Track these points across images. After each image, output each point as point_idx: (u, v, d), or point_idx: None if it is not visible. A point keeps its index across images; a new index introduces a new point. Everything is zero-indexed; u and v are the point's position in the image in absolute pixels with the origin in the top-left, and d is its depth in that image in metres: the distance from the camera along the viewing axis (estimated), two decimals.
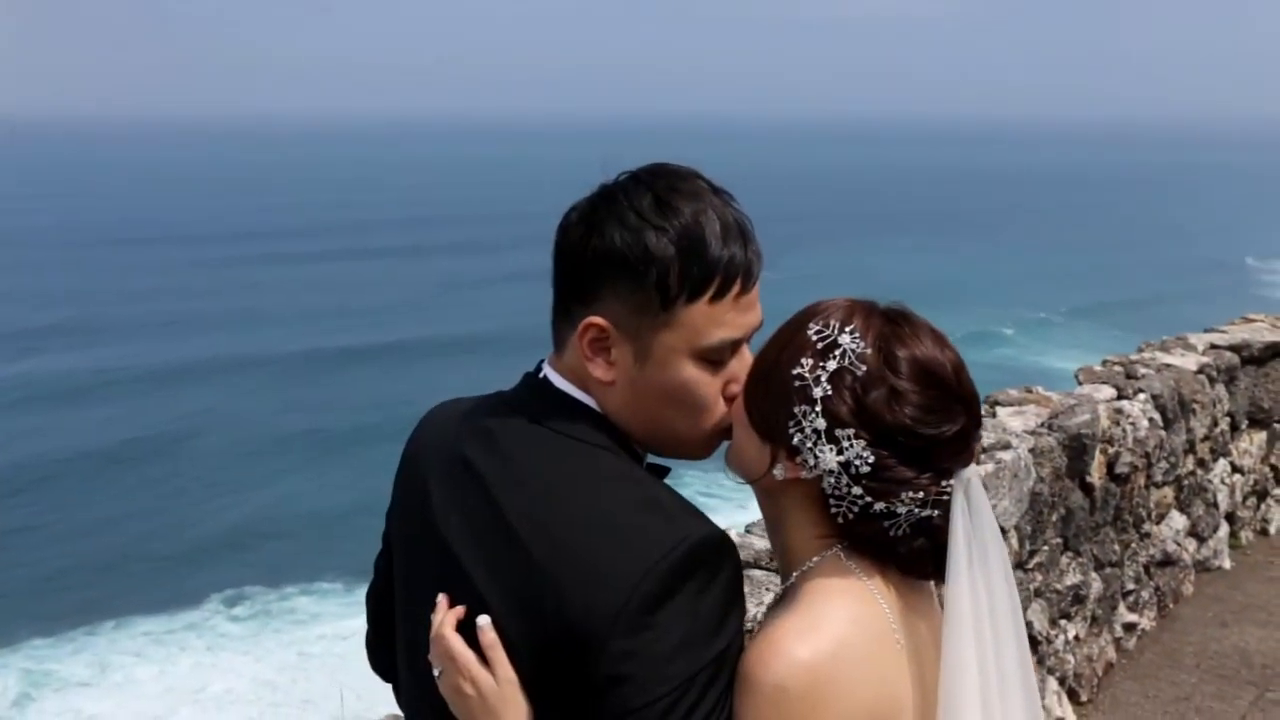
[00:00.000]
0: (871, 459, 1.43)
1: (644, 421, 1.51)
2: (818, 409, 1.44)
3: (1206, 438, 6.17)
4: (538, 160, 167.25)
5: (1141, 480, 5.40)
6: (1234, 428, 6.56)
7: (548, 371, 1.54)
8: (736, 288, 1.46)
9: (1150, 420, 5.36)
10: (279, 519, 26.61)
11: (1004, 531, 4.39)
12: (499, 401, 1.58)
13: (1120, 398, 5.33)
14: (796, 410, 1.46)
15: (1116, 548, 5.31)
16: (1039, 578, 4.66)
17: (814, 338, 1.48)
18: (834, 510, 1.47)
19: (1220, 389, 6.28)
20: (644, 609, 1.33)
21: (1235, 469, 6.57)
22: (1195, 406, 5.97)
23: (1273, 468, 6.96)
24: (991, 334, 45.95)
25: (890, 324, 1.49)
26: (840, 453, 1.44)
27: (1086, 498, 4.97)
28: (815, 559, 1.50)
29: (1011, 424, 4.60)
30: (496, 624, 1.41)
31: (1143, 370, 5.70)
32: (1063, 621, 4.85)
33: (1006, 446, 4.35)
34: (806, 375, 1.46)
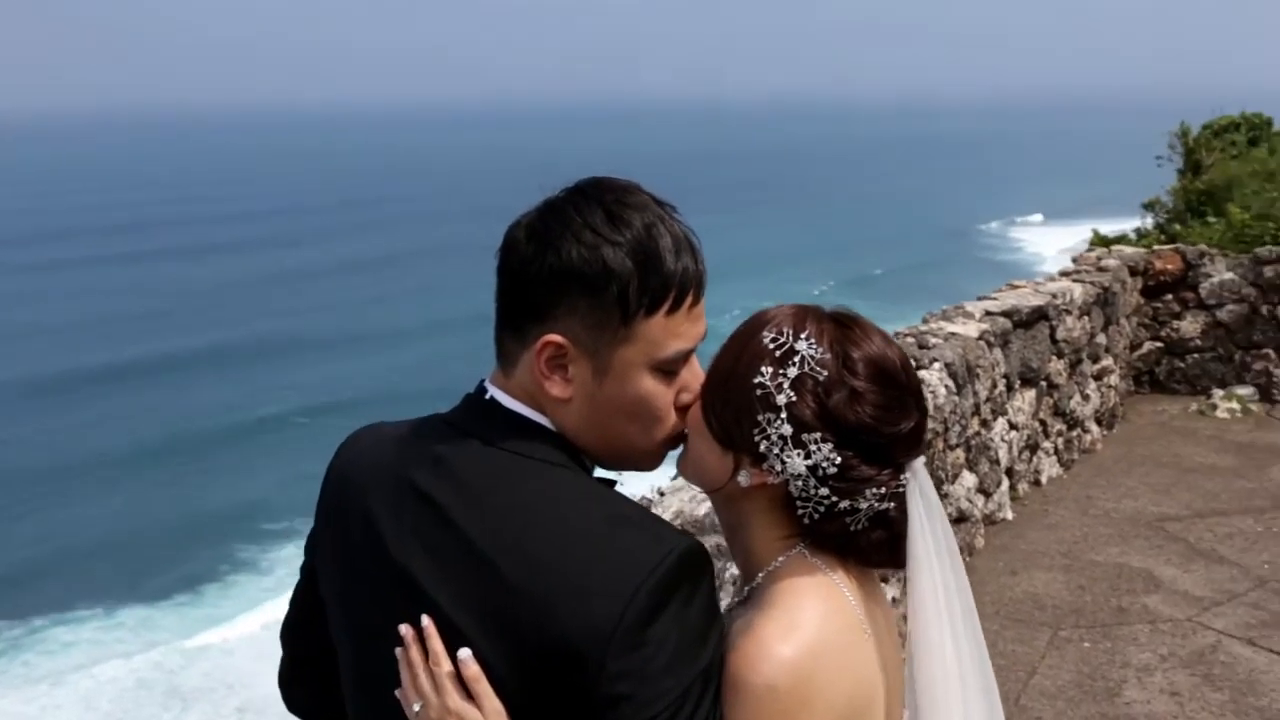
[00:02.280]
0: (839, 460, 1.48)
1: (600, 436, 1.50)
2: (783, 415, 1.48)
3: (988, 399, 6.58)
4: (311, 152, 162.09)
5: (940, 445, 5.72)
6: (1009, 387, 7.01)
7: (494, 392, 1.52)
8: (689, 299, 1.48)
9: (946, 387, 5.69)
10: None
11: None
12: (441, 424, 1.54)
13: (918, 368, 5.63)
14: (761, 418, 1.49)
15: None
16: None
17: (770, 345, 1.51)
18: (800, 512, 1.52)
19: (998, 353, 6.70)
20: (638, 626, 1.32)
21: (1012, 426, 7.03)
22: (979, 371, 6.36)
23: (1042, 422, 7.49)
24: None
25: (841, 327, 1.55)
26: (808, 456, 1.48)
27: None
28: (780, 559, 1.54)
29: None
30: (474, 654, 1.38)
31: (933, 340, 6.03)
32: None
33: None
34: (768, 383, 1.49)
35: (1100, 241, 16.73)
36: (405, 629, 1.43)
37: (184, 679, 20.45)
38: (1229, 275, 9.08)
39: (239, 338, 44.07)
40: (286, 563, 24.95)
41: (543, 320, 1.45)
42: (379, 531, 1.50)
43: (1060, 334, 7.46)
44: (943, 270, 51.59)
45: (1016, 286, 7.57)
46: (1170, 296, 9.18)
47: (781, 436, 1.48)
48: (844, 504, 1.50)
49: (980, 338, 6.45)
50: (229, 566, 24.91)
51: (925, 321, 6.63)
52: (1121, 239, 16.75)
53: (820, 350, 1.50)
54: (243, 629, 22.00)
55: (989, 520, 6.67)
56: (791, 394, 1.48)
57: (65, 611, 22.94)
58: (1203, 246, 9.30)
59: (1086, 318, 7.84)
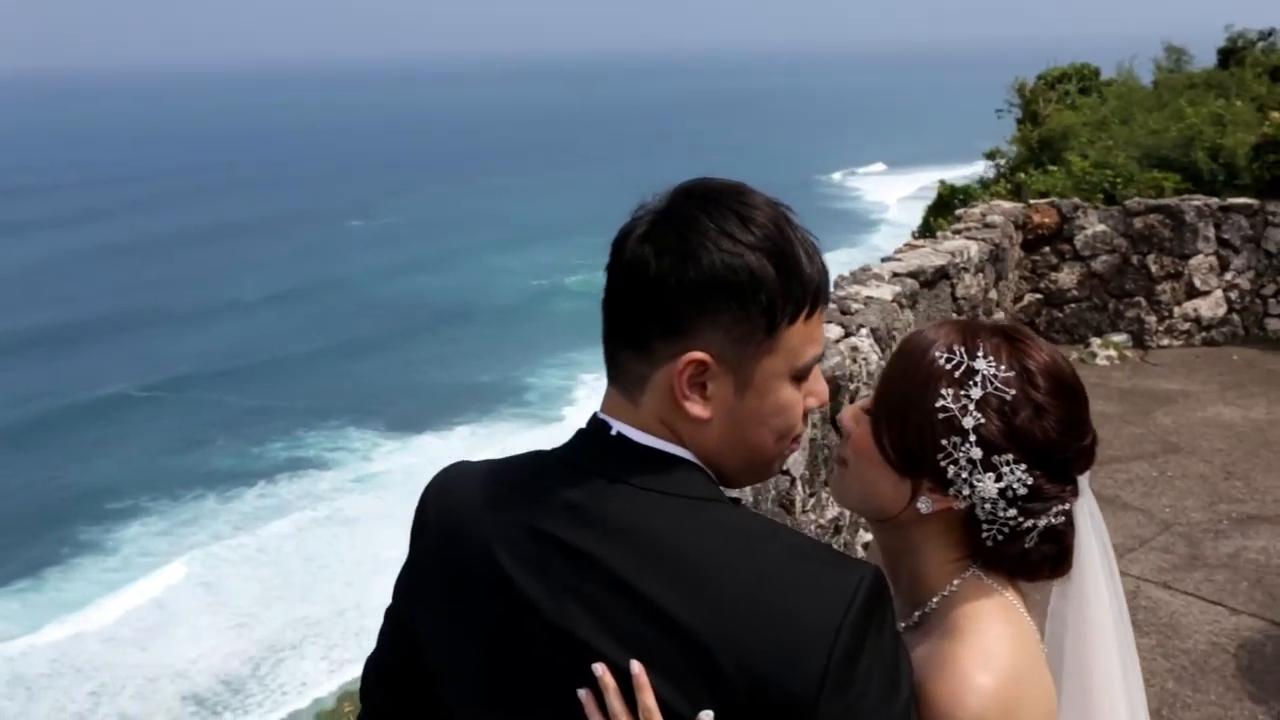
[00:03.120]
0: (1029, 481, 1.46)
1: (737, 452, 1.42)
2: (971, 439, 1.45)
3: None
4: (112, 112, 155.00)
5: None
6: None
7: (620, 426, 1.41)
8: (822, 303, 1.42)
9: (874, 353, 5.77)
10: None
11: (792, 482, 4.62)
12: (561, 465, 1.43)
13: (847, 334, 5.68)
14: (945, 442, 1.46)
15: None
16: (812, 516, 4.94)
17: (947, 366, 1.48)
18: (985, 534, 1.49)
19: (908, 313, 6.82)
20: (847, 664, 1.27)
21: None
22: (895, 333, 6.46)
23: None
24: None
25: (1011, 341, 1.51)
26: (999, 479, 1.46)
27: (839, 434, 5.30)
28: (955, 582, 1.52)
29: None
30: (668, 711, 1.29)
31: (854, 305, 6.09)
32: None
33: None
34: (951, 405, 1.46)
35: (947, 191, 17.24)
36: (602, 670, 1.31)
37: (28, 667, 19.74)
38: (1101, 227, 9.44)
39: (67, 316, 42.18)
40: (132, 541, 24.25)
41: (680, 338, 1.35)
42: (522, 592, 1.38)
43: (960, 292, 7.65)
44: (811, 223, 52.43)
45: (916, 246, 7.72)
46: (1048, 249, 9.50)
47: (970, 460, 1.45)
48: (1028, 523, 1.48)
49: (894, 300, 6.55)
50: (71, 549, 24.06)
51: (839, 286, 6.69)
52: (967, 189, 17.30)
53: (1001, 368, 1.47)
54: (91, 613, 21.33)
55: None
56: (979, 416, 1.45)
57: None
58: (1077, 200, 9.63)
59: (981, 275, 8.05)
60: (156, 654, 19.71)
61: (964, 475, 1.46)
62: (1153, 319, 9.51)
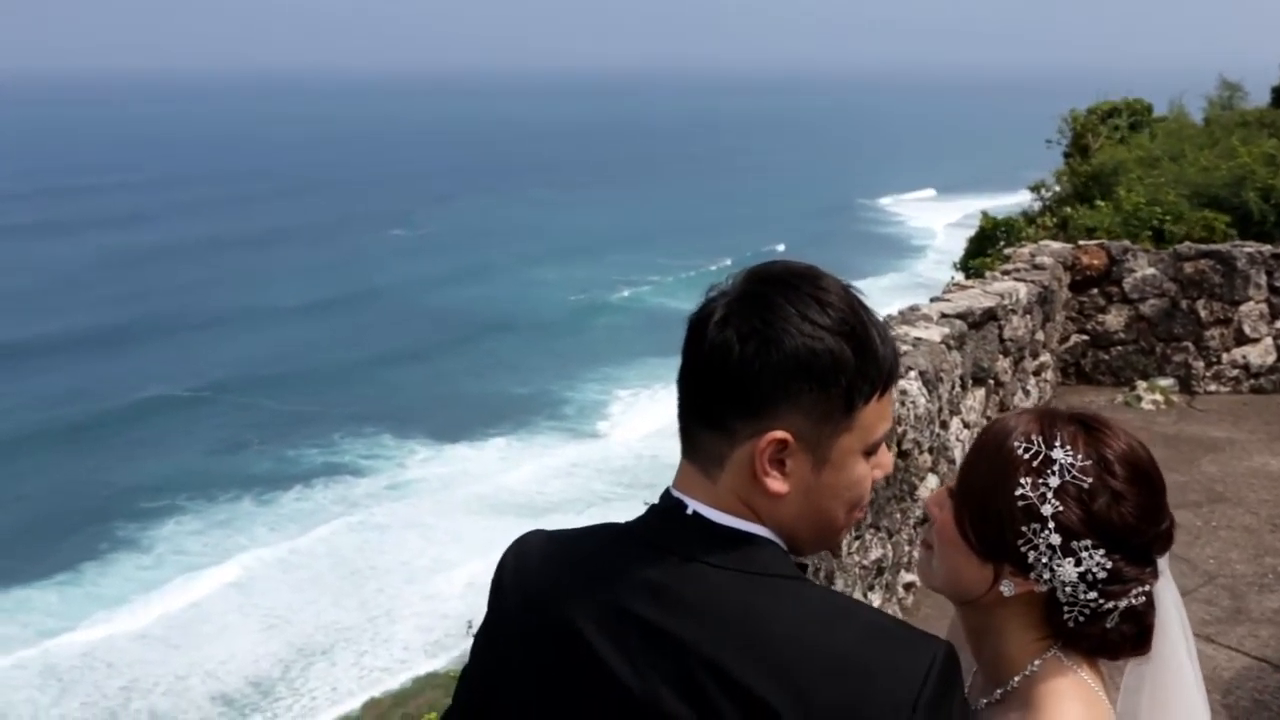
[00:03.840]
0: (1109, 565, 1.51)
1: (810, 525, 1.47)
2: (1050, 525, 1.51)
3: (947, 400, 6.72)
4: (154, 117, 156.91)
5: (917, 451, 5.83)
6: (963, 387, 7.17)
7: (696, 506, 1.46)
8: (893, 382, 1.47)
9: (923, 395, 5.79)
10: None
11: None
12: (639, 544, 1.49)
13: None
14: (1025, 529, 1.52)
15: (899, 516, 5.72)
16: (856, 558, 4.96)
17: (1025, 455, 1.54)
18: (1066, 616, 1.55)
19: (956, 354, 6.84)
20: None
21: (965, 425, 7.19)
22: (942, 374, 6.48)
23: (988, 419, 7.67)
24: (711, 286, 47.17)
25: (1088, 430, 1.57)
26: (1079, 564, 1.51)
27: (884, 476, 5.33)
28: (1036, 662, 1.57)
29: None
30: None
31: (903, 347, 6.12)
32: (869, 594, 5.19)
33: None
34: (1030, 494, 1.52)
35: (989, 224, 17.19)
36: None
37: (62, 659, 19.96)
38: (1151, 271, 9.41)
39: (113, 317, 42.68)
40: (167, 540, 24.50)
41: (762, 417, 1.40)
42: (609, 667, 1.43)
43: (1007, 333, 7.66)
44: (838, 247, 52.44)
45: (964, 287, 7.74)
46: (1095, 290, 9.48)
47: (1050, 546, 1.51)
48: (1108, 605, 1.53)
49: (942, 341, 6.57)
50: (108, 545, 24.34)
51: (888, 325, 6.74)
52: (1011, 221, 17.24)
53: (1078, 457, 1.53)
54: (124, 610, 21.56)
55: None
56: (1057, 504, 1.51)
57: None
58: (1126, 242, 9.61)
59: (1029, 316, 8.05)
60: (187, 652, 19.86)
61: (1044, 560, 1.52)
62: (1200, 365, 9.47)
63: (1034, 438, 1.54)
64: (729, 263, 50.97)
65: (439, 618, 19.50)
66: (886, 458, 1.50)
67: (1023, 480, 1.52)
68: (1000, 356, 7.64)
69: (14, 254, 54.97)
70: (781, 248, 55.10)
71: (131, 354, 38.46)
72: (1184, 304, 9.40)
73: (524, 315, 43.55)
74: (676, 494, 1.48)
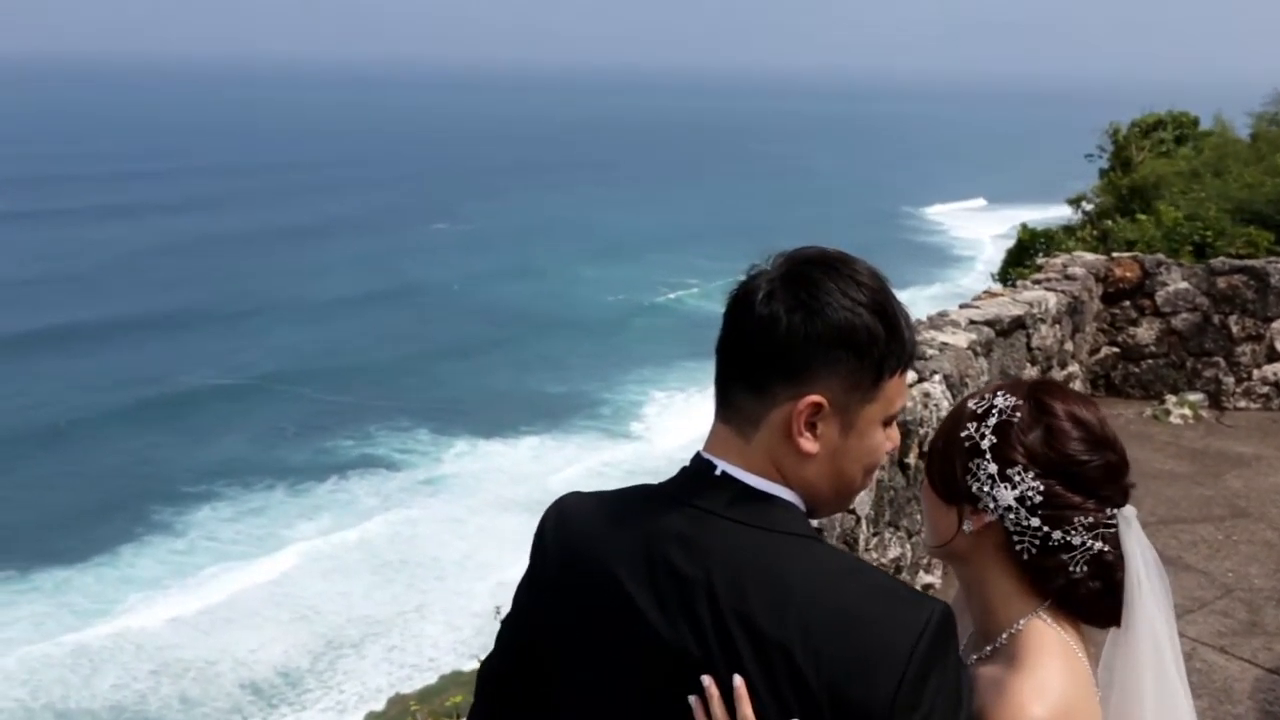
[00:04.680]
0: (1041, 488, 1.67)
1: (832, 485, 1.61)
2: (988, 456, 1.69)
3: None
4: (200, 104, 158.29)
5: None
6: None
7: (725, 466, 1.60)
8: (912, 362, 1.64)
9: (946, 399, 5.85)
10: None
11: (857, 520, 4.72)
12: (672, 500, 1.62)
13: (920, 380, 5.77)
14: (970, 464, 1.71)
15: (918, 516, 5.78)
16: (874, 555, 5.03)
17: (973, 407, 1.75)
18: (1018, 547, 1.69)
19: (982, 361, 6.89)
20: (916, 685, 1.45)
21: None
22: (967, 380, 6.53)
23: None
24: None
25: (1036, 385, 1.77)
26: (1014, 487, 1.68)
27: (904, 477, 5.39)
28: (1021, 621, 1.71)
29: None
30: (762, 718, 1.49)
31: (929, 351, 6.18)
32: None
33: None
34: (974, 434, 1.71)
35: (1028, 235, 17.12)
36: (709, 681, 1.51)
37: (94, 640, 20.26)
38: (1184, 285, 9.40)
39: (163, 305, 43.22)
40: (200, 525, 24.81)
41: (802, 382, 1.55)
42: (642, 612, 1.58)
43: (1035, 342, 7.69)
44: (884, 255, 52.11)
45: (994, 295, 7.77)
46: (1128, 303, 9.47)
47: (989, 475, 1.69)
48: (1056, 535, 1.68)
49: (969, 347, 6.63)
50: (144, 528, 24.68)
51: (915, 331, 6.79)
52: (1050, 233, 17.16)
53: (1015, 400, 1.72)
54: (158, 594, 21.87)
55: None
56: (993, 437, 1.70)
57: None
58: (1161, 255, 9.60)
59: (1058, 326, 8.08)
60: (218, 639, 20.11)
61: (986, 489, 1.70)
62: (1231, 380, 9.44)
63: (987, 395, 1.76)
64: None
65: (469, 615, 19.65)
66: (895, 432, 1.65)
67: (969, 425, 1.73)
68: (1028, 365, 7.67)
69: (76, 237, 55.87)
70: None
71: (177, 340, 38.96)
72: (1216, 319, 9.38)
73: (564, 313, 43.72)
74: (707, 456, 1.62)
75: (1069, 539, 1.67)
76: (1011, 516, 1.68)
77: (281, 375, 35.46)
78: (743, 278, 1.64)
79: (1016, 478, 1.67)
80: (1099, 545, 1.68)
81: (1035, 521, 1.67)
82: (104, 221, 60.43)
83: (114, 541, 23.87)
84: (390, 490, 26.65)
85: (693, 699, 1.52)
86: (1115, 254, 9.82)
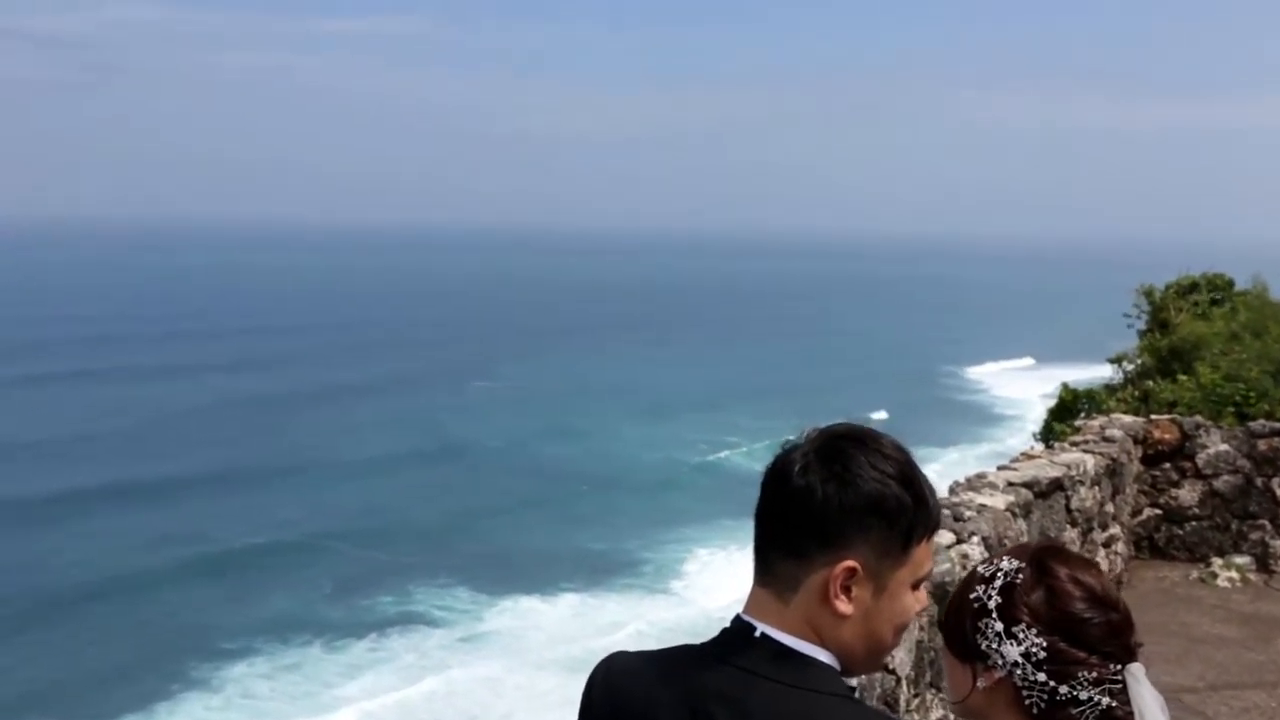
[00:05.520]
0: (1045, 644, 1.78)
1: (865, 645, 1.71)
2: (994, 615, 1.81)
3: None
4: (239, 267, 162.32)
5: None
6: None
7: (764, 628, 1.70)
8: (938, 529, 1.77)
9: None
10: None
11: (898, 681, 4.72)
12: (714, 660, 1.72)
13: (959, 541, 5.81)
14: (979, 624, 1.82)
15: None
16: (915, 717, 5.00)
17: (981, 571, 1.89)
18: (1028, 702, 1.79)
19: (1021, 523, 6.90)
20: None
21: None
22: (1006, 541, 6.55)
23: None
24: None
25: (1040, 549, 1.90)
26: (1019, 644, 1.79)
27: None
28: None
29: None
30: None
31: (967, 513, 6.22)
32: None
33: None
34: (981, 595, 1.84)
35: (1069, 395, 17.12)
36: None
37: None
38: (1224, 447, 9.40)
39: (203, 465, 43.74)
40: (236, 682, 24.63)
41: (837, 548, 1.67)
42: None
43: (1074, 504, 7.70)
44: (929, 415, 52.26)
45: (1032, 457, 7.82)
46: (1168, 465, 9.48)
47: (996, 633, 1.81)
48: (1063, 689, 1.78)
49: (1007, 509, 6.66)
50: (180, 685, 24.54)
51: (953, 493, 6.84)
52: (1091, 392, 17.17)
53: (1019, 564, 1.85)
54: None
55: None
56: (999, 598, 1.82)
57: None
58: (1199, 418, 9.63)
59: (1097, 488, 8.09)
60: None
61: (994, 646, 1.81)
62: (1278, 543, 9.36)
63: (993, 560, 1.90)
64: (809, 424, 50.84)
65: None
66: (924, 595, 1.77)
67: (978, 588, 1.86)
68: (1068, 527, 7.67)
69: (120, 396, 56.91)
70: (884, 415, 54.98)
71: (218, 498, 39.28)
72: (1259, 481, 9.36)
73: (604, 472, 43.71)
74: (746, 618, 1.73)
75: (1075, 693, 1.78)
76: (1019, 672, 1.79)
77: (321, 533, 35.58)
78: (779, 450, 1.77)
79: (1021, 634, 1.79)
80: (1107, 700, 1.78)
81: (1041, 676, 1.78)
82: (148, 381, 61.54)
83: (150, 699, 23.73)
84: (429, 648, 26.42)
85: None
86: (1154, 416, 9.86)
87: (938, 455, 40.44)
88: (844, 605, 1.67)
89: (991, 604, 1.82)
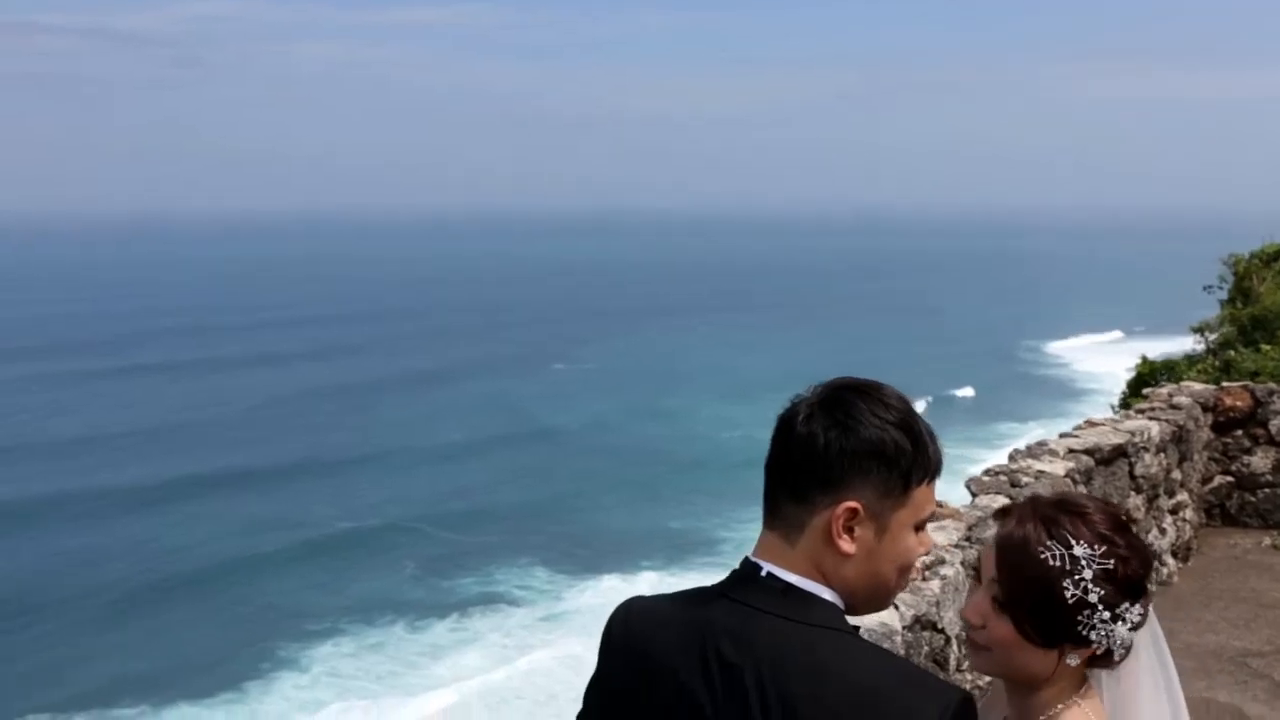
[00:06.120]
0: (1141, 610, 1.92)
1: (868, 584, 1.81)
2: (1099, 608, 1.89)
3: None
4: (320, 257, 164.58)
5: None
6: None
7: (770, 568, 1.81)
8: (939, 474, 1.84)
9: None
10: None
11: (946, 640, 4.80)
12: (724, 600, 1.83)
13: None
14: (1081, 618, 1.89)
15: None
16: (969, 677, 5.07)
17: (1055, 563, 1.91)
18: (1118, 658, 1.94)
19: (1081, 488, 6.91)
20: None
21: None
22: None
23: None
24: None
25: (1077, 516, 1.95)
26: (1126, 622, 1.91)
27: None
28: (1060, 706, 1.95)
29: (937, 539, 5.03)
30: None
31: (1024, 479, 6.26)
32: None
33: (942, 562, 4.76)
34: (1077, 592, 1.89)
35: (1147, 367, 16.89)
36: None
37: None
38: None
39: (291, 450, 44.66)
40: (323, 661, 25.22)
41: (838, 490, 1.77)
42: (698, 701, 1.78)
43: (1139, 470, 7.66)
44: (1013, 390, 51.71)
45: (1095, 424, 7.80)
46: (1240, 432, 9.36)
47: (1103, 621, 1.89)
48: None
49: (1066, 475, 6.67)
50: (270, 664, 25.18)
51: (1013, 459, 6.86)
52: (1171, 364, 16.91)
53: (1094, 546, 1.91)
54: None
55: None
56: (1097, 589, 1.89)
57: (107, 709, 23.23)
58: (1272, 385, 9.50)
59: (1163, 454, 8.04)
60: None
61: (1102, 632, 1.90)
62: None
63: (1049, 544, 1.92)
64: (930, 400, 50.36)
65: None
66: (929, 538, 1.87)
67: (1065, 585, 1.90)
68: (1132, 493, 7.64)
69: (216, 386, 58.32)
70: (970, 392, 54.32)
71: (307, 484, 40.16)
72: None
73: (684, 451, 43.87)
74: (754, 560, 1.85)
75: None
76: (1119, 642, 1.92)
77: (405, 516, 36.21)
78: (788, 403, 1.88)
79: (1125, 613, 1.90)
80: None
81: (1133, 635, 1.93)
82: (238, 370, 62.89)
83: (241, 677, 24.40)
84: (510, 627, 26.81)
85: None
86: (1225, 384, 9.74)
87: (1018, 431, 40.01)
88: (847, 544, 1.77)
89: (1093, 598, 1.89)
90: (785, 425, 1.84)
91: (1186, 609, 7.80)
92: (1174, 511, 8.32)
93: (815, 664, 1.71)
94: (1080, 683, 1.94)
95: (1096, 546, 1.90)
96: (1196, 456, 8.92)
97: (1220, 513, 9.44)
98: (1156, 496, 7.99)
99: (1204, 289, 19.11)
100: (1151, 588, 1.97)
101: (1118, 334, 71.88)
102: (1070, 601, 1.89)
